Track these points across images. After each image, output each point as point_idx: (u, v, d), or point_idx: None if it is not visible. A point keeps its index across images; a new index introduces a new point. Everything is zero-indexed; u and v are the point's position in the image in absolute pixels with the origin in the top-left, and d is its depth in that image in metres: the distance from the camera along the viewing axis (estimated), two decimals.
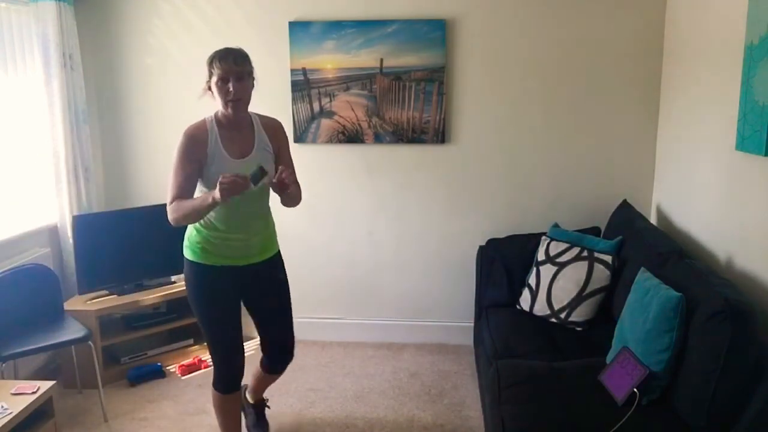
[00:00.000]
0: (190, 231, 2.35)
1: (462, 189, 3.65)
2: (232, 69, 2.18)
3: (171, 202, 2.22)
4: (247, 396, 2.82)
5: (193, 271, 2.34)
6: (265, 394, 2.84)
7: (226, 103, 2.22)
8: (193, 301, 2.37)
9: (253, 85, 2.29)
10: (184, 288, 2.42)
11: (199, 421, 2.93)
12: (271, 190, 2.27)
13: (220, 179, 2.02)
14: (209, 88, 2.25)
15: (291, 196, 2.27)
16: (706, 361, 1.88)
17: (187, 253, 2.36)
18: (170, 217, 2.21)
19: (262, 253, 2.41)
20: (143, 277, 3.54)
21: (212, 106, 2.31)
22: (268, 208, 2.44)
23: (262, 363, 2.65)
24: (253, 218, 2.36)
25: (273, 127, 2.40)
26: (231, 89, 2.18)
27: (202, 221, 2.28)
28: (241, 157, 2.27)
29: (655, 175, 3.49)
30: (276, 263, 2.50)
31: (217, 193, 2.02)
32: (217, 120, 2.28)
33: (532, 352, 2.60)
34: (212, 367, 2.49)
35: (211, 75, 2.22)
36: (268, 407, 2.87)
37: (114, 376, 3.32)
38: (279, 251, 2.52)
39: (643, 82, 3.42)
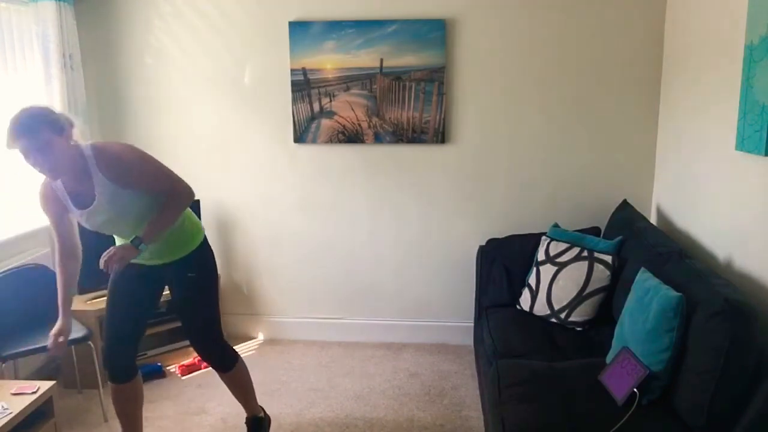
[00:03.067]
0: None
1: (462, 189, 3.65)
2: (27, 146, 2.01)
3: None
4: None
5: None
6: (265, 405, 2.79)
7: (45, 175, 2.11)
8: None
9: (60, 143, 2.07)
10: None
11: (199, 421, 2.93)
12: (141, 216, 2.25)
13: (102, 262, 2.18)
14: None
15: (159, 233, 2.25)
16: (706, 361, 1.88)
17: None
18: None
19: (162, 257, 2.39)
20: None
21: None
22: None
23: None
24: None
25: (105, 161, 2.16)
26: (32, 163, 2.06)
27: None
28: (85, 207, 2.20)
29: (655, 175, 3.50)
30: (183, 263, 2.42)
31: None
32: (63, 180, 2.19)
33: (532, 352, 2.60)
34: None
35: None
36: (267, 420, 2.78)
37: None
38: (190, 253, 2.42)
39: (643, 82, 3.42)
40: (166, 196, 2.26)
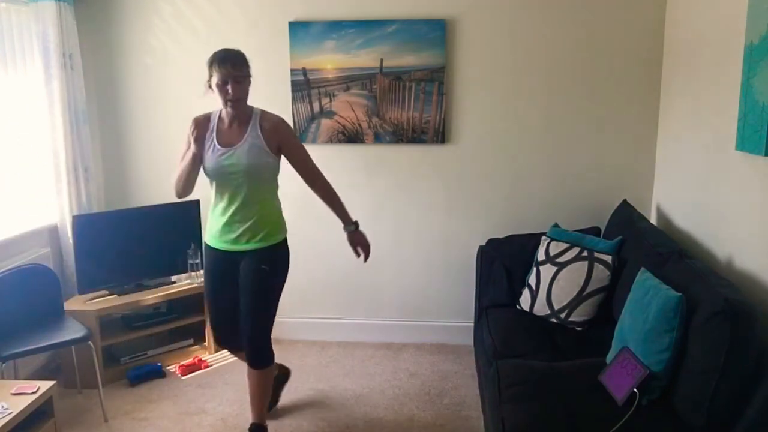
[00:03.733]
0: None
1: (462, 189, 3.65)
2: (230, 73, 2.39)
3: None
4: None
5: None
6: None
7: (225, 102, 2.44)
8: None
9: (250, 83, 2.50)
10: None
11: (199, 421, 2.93)
12: (258, 181, 2.53)
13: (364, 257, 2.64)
14: (210, 87, 2.46)
15: (342, 206, 2.70)
16: (706, 361, 1.88)
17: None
18: (174, 188, 2.56)
19: (248, 243, 2.56)
20: (143, 277, 3.54)
21: (213, 103, 2.49)
22: (262, 198, 2.57)
23: None
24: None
25: (272, 123, 2.55)
26: (230, 91, 2.41)
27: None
28: (229, 146, 2.48)
29: (655, 175, 3.50)
30: (262, 253, 2.57)
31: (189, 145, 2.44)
32: (220, 114, 2.54)
33: (532, 352, 2.60)
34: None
35: (211, 76, 2.44)
36: None
37: (114, 376, 3.32)
38: (271, 245, 2.59)
39: (644, 82, 3.42)
40: (313, 180, 2.66)
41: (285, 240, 2.67)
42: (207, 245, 2.65)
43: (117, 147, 3.84)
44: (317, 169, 2.68)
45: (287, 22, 3.54)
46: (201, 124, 2.52)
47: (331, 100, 3.59)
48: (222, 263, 2.61)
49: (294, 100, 3.61)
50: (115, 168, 3.86)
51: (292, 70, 3.58)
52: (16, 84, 3.29)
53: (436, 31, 3.46)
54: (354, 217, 2.71)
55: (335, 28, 3.51)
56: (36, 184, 3.44)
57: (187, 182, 2.55)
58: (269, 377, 2.71)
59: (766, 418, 1.67)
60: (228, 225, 2.54)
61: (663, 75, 3.38)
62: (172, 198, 3.77)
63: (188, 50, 3.67)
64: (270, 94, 3.63)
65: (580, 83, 3.47)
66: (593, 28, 3.41)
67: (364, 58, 3.53)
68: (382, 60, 3.52)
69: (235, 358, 3.01)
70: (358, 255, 2.72)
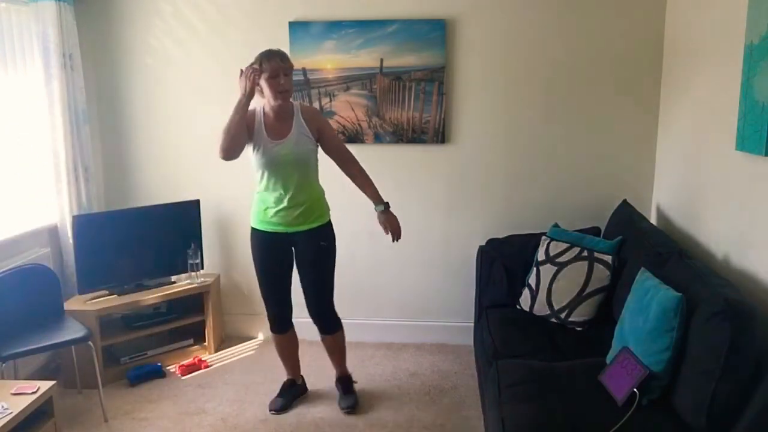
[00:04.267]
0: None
1: (462, 189, 3.65)
2: (281, 66, 2.65)
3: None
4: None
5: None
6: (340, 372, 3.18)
7: (276, 95, 2.67)
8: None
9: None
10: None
11: (199, 421, 2.93)
12: (307, 167, 2.82)
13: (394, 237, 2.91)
14: (260, 89, 2.69)
15: (372, 185, 2.95)
16: (706, 361, 1.87)
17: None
18: (219, 148, 2.67)
19: (299, 225, 2.83)
20: (143, 277, 3.54)
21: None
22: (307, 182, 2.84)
23: None
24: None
25: (310, 114, 2.85)
26: (282, 82, 2.65)
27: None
28: (279, 138, 2.74)
29: (655, 175, 3.50)
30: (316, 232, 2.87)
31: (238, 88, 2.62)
32: (264, 111, 2.77)
33: (532, 352, 2.60)
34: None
35: (258, 75, 2.64)
36: (355, 381, 3.19)
37: (114, 376, 3.32)
38: (322, 225, 2.89)
39: (644, 82, 3.42)
40: (346, 161, 2.92)
41: (330, 219, 2.95)
42: (256, 230, 2.88)
43: (117, 147, 3.84)
44: (350, 152, 2.93)
45: (287, 22, 3.54)
46: (249, 117, 2.72)
47: (331, 100, 3.59)
48: (276, 245, 2.87)
49: (294, 100, 3.59)
50: (115, 168, 3.86)
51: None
52: (16, 84, 3.29)
53: (436, 31, 3.46)
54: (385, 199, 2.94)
55: (335, 28, 3.51)
56: (36, 184, 3.43)
57: (236, 137, 2.64)
58: (341, 337, 3.07)
59: (766, 419, 1.67)
60: (285, 210, 2.78)
61: (663, 75, 3.38)
62: (172, 198, 3.80)
63: (188, 50, 3.67)
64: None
65: (580, 83, 3.47)
66: (593, 28, 3.41)
67: (364, 58, 3.53)
68: (382, 60, 3.52)
69: (236, 358, 3.01)
70: (387, 233, 2.92)
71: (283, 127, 2.76)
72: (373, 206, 2.92)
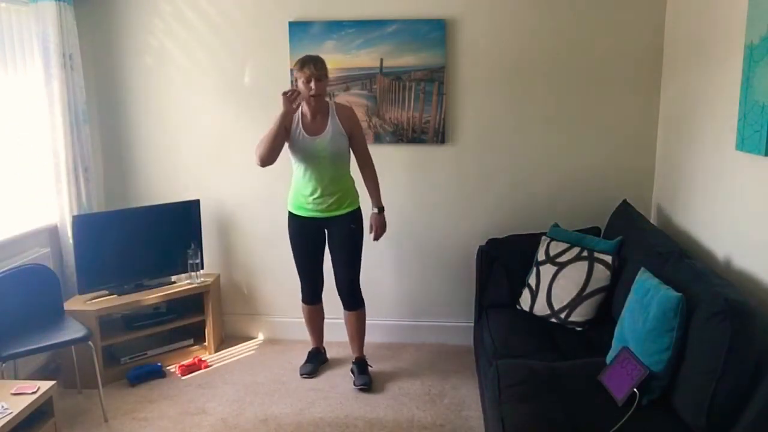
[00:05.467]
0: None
1: (462, 189, 3.65)
2: (314, 72, 2.92)
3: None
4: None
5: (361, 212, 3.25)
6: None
7: (309, 98, 2.96)
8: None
9: (328, 83, 3.09)
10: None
11: (199, 421, 2.93)
12: (341, 163, 3.11)
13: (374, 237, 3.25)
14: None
15: (377, 190, 3.23)
16: (706, 361, 1.88)
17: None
18: (256, 156, 3.02)
19: (332, 211, 3.14)
20: (143, 277, 3.55)
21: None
22: (340, 175, 3.13)
23: None
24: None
25: (345, 113, 3.12)
26: (313, 87, 2.93)
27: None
28: (316, 134, 3.04)
29: (655, 175, 3.50)
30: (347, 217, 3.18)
31: (281, 106, 2.92)
32: (303, 110, 3.06)
33: (532, 352, 2.60)
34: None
35: (296, 79, 2.98)
36: (371, 366, 3.38)
37: (114, 376, 3.32)
38: (352, 210, 3.20)
39: (643, 82, 3.42)
40: (365, 163, 3.19)
41: (359, 206, 3.24)
42: (294, 214, 3.20)
43: (117, 147, 3.83)
44: (371, 158, 3.20)
45: (287, 22, 3.54)
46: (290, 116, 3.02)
47: (331, 100, 3.58)
48: (311, 229, 3.20)
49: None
50: (115, 168, 3.86)
51: (292, 70, 3.57)
52: (16, 84, 3.29)
53: (436, 31, 3.45)
54: (383, 204, 3.24)
55: (335, 28, 3.51)
56: (36, 184, 3.43)
57: (273, 145, 2.95)
58: (363, 317, 3.36)
59: (766, 418, 1.67)
60: (321, 197, 3.08)
61: (663, 75, 3.38)
62: (172, 198, 3.80)
63: (188, 50, 3.67)
64: (270, 94, 3.63)
65: (580, 83, 3.47)
66: (593, 28, 3.41)
67: (364, 58, 3.53)
68: (382, 60, 3.52)
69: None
70: (371, 232, 3.22)
71: (319, 124, 3.05)
72: (371, 207, 3.22)
